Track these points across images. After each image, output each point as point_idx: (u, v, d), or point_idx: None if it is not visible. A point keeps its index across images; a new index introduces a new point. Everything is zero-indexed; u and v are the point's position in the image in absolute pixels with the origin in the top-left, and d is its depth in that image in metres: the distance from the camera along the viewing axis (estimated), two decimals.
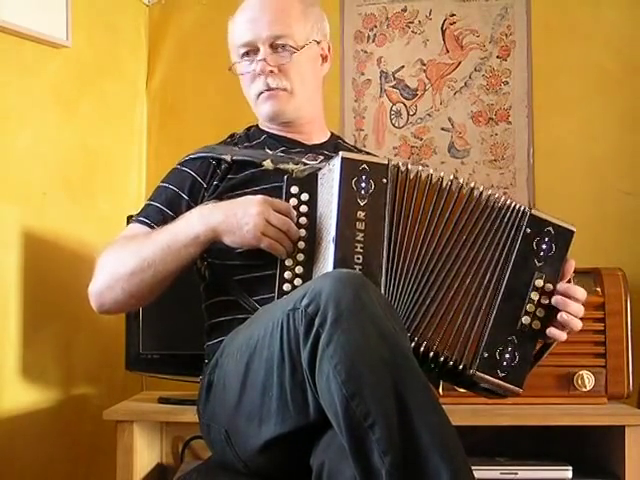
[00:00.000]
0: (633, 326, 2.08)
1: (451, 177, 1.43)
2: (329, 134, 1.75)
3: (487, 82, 2.51)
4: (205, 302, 1.61)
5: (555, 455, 2.00)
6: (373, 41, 2.58)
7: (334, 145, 1.72)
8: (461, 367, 1.39)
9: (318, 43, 1.68)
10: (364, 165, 1.39)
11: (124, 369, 2.20)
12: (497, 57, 2.51)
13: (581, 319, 2.02)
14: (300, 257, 1.40)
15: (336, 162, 1.40)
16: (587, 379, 2.03)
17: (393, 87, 2.56)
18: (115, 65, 2.51)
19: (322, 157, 1.57)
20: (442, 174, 1.44)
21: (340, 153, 1.41)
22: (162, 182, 1.64)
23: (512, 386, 1.40)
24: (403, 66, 2.56)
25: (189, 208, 1.55)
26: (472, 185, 1.44)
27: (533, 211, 1.45)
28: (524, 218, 1.43)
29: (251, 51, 1.64)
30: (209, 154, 1.62)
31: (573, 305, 1.43)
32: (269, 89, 1.63)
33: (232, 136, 1.72)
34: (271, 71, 1.61)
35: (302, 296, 1.18)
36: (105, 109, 2.45)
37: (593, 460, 2.04)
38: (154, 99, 2.64)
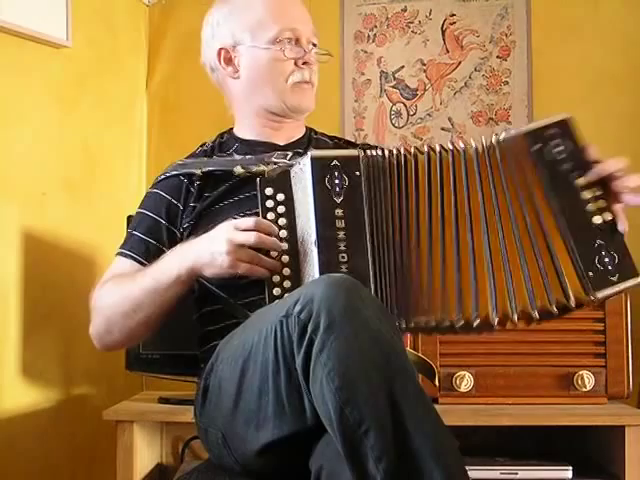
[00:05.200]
0: (633, 326, 2.08)
1: (413, 149, 1.40)
2: (304, 128, 1.74)
3: (487, 82, 2.51)
4: (196, 313, 1.62)
5: (555, 455, 2.00)
6: (373, 41, 2.58)
7: (308, 138, 1.71)
8: (572, 303, 1.34)
9: None
10: (335, 161, 1.37)
11: (124, 369, 2.20)
12: (497, 57, 2.51)
13: (581, 319, 2.06)
14: (285, 259, 1.38)
15: (306, 162, 1.38)
16: (587, 379, 2.03)
17: (393, 87, 2.57)
18: (115, 65, 2.51)
19: (291, 154, 1.53)
20: (399, 150, 1.40)
21: (309, 152, 1.39)
22: (140, 208, 1.64)
23: (630, 280, 1.35)
24: (403, 66, 2.56)
25: (169, 232, 1.57)
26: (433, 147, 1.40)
27: (525, 129, 1.40)
28: (525, 139, 1.38)
29: (293, 39, 1.61)
30: (179, 171, 1.62)
31: (622, 177, 1.36)
32: (307, 82, 1.62)
33: (203, 145, 1.71)
34: (313, 64, 1.63)
35: (295, 302, 1.18)
36: (105, 109, 2.45)
37: (593, 460, 2.04)
38: (154, 99, 2.64)
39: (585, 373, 2.04)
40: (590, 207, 1.37)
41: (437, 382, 1.52)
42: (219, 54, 1.65)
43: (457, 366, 2.05)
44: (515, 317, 1.35)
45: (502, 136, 1.40)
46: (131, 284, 1.50)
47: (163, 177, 1.64)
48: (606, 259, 1.35)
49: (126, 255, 1.59)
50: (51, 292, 2.21)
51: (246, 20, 1.64)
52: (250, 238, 1.38)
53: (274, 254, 1.39)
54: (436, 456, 1.07)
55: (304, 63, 1.61)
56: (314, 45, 1.64)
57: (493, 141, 1.40)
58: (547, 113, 2.47)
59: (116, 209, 2.37)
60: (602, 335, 2.07)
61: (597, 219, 1.36)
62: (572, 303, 1.35)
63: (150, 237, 1.59)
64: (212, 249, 1.40)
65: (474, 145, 1.41)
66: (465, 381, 2.04)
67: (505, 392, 2.06)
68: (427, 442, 1.08)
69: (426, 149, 1.40)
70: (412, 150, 1.41)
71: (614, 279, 1.35)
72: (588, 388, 2.04)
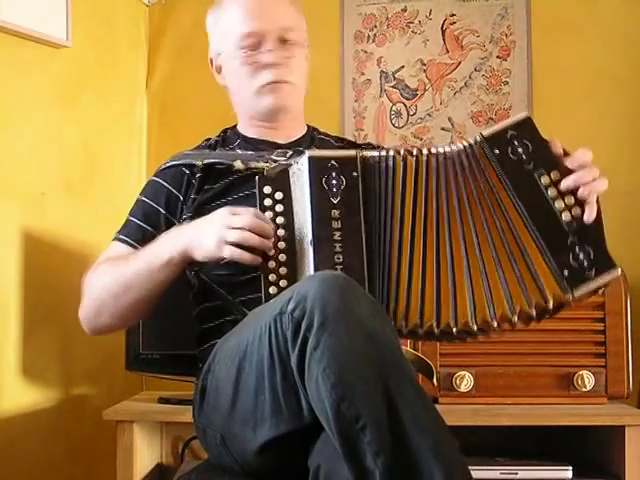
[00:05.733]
0: (633, 326, 2.08)
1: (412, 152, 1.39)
2: (306, 128, 1.74)
3: (487, 82, 2.51)
4: (195, 309, 1.62)
5: (555, 455, 2.00)
6: (373, 41, 2.58)
7: (310, 138, 1.71)
8: (550, 305, 1.33)
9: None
10: (332, 161, 1.37)
11: (124, 369, 2.20)
12: (497, 57, 2.52)
13: (581, 319, 2.06)
14: (282, 257, 1.38)
15: (304, 161, 1.38)
16: (587, 379, 2.03)
17: (393, 87, 2.57)
18: (115, 65, 2.51)
19: (291, 152, 1.51)
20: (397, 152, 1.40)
21: (306, 152, 1.39)
22: (140, 195, 1.65)
23: (608, 273, 1.34)
24: (403, 66, 2.56)
25: (167, 221, 1.58)
26: (423, 152, 1.39)
27: (484, 134, 1.38)
28: (483, 145, 1.37)
29: (256, 42, 1.61)
30: (181, 161, 1.62)
31: (583, 174, 1.35)
32: (276, 81, 1.61)
33: (208, 140, 1.72)
34: (279, 64, 1.60)
35: (288, 300, 1.18)
36: (105, 109, 2.45)
37: (593, 460, 2.04)
38: (154, 99, 2.65)
39: (585, 373, 2.04)
40: (558, 205, 1.35)
41: (435, 381, 1.52)
42: (211, 63, 1.70)
43: (457, 366, 2.05)
44: (495, 323, 1.34)
45: (465, 143, 1.39)
46: (123, 266, 1.51)
47: (165, 166, 1.64)
48: (580, 256, 1.33)
49: (122, 240, 1.60)
50: (51, 292, 2.21)
51: (221, 29, 1.67)
52: (245, 222, 1.36)
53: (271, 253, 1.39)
54: (434, 448, 1.07)
55: (270, 65, 1.60)
56: (286, 41, 1.61)
57: (460, 147, 1.39)
58: (547, 113, 2.49)
59: (116, 209, 2.36)
60: (602, 335, 2.07)
61: (566, 216, 1.35)
62: (550, 304, 1.33)
63: (147, 224, 1.59)
64: (205, 232, 1.40)
65: (445, 150, 1.39)
66: (465, 381, 2.04)
67: (505, 392, 2.06)
68: (424, 435, 1.08)
69: (408, 152, 1.40)
70: (402, 153, 1.40)
71: (590, 275, 1.33)
72: (588, 388, 2.04)
